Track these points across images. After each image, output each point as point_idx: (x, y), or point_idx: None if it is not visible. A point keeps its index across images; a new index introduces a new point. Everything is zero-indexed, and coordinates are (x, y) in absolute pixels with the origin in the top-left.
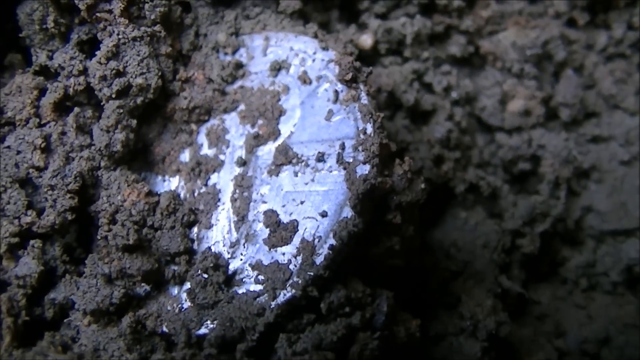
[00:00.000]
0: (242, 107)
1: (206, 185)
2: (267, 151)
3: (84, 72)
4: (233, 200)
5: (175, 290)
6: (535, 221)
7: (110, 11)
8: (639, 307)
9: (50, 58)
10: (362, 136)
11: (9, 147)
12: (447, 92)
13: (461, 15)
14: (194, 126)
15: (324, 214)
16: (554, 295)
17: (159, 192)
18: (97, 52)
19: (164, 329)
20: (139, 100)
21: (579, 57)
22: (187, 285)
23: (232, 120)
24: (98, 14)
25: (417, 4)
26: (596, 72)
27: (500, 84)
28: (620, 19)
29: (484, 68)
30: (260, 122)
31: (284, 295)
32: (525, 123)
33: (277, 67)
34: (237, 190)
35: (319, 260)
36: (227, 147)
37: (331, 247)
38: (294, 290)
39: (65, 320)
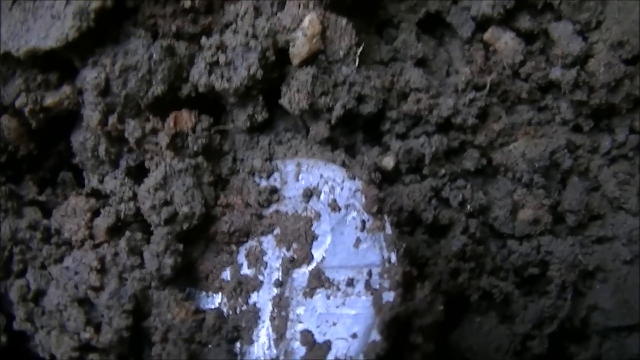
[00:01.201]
0: (277, 230)
1: (247, 303)
2: (301, 274)
3: (134, 197)
4: (272, 319)
5: None
6: (544, 324)
7: (157, 143)
8: None
9: (101, 182)
10: (387, 265)
11: (67, 267)
12: (463, 206)
13: (475, 130)
14: (234, 247)
15: (354, 336)
16: None
17: (204, 308)
18: (146, 181)
19: None
20: (185, 226)
21: (584, 160)
22: None
23: (268, 242)
24: (146, 146)
25: (435, 123)
26: (600, 174)
27: (511, 193)
28: (623, 124)
29: (496, 177)
30: (294, 246)
31: None
32: (534, 230)
33: (309, 194)
34: (276, 310)
35: None
36: (265, 268)
37: None
38: None
39: None
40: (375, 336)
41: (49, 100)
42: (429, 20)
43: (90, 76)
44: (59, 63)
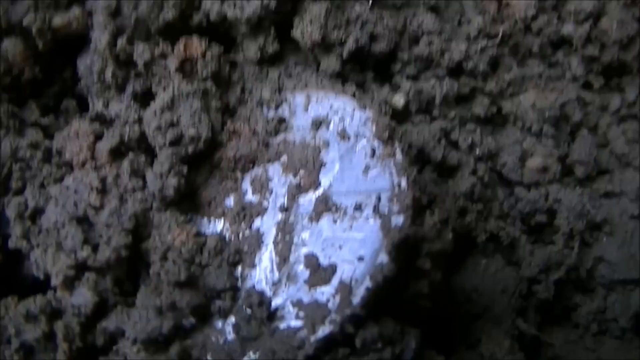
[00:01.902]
0: (284, 158)
1: (250, 228)
2: (308, 199)
3: (139, 121)
4: (275, 243)
5: (219, 324)
6: (550, 269)
7: (165, 67)
8: None
9: (106, 106)
10: (397, 189)
11: (67, 187)
12: (472, 149)
13: (485, 78)
14: (239, 174)
15: (360, 259)
16: (567, 338)
17: (205, 233)
18: (153, 104)
19: (209, 358)
20: (190, 149)
21: (593, 118)
22: (232, 319)
23: (275, 170)
24: (154, 70)
25: (446, 67)
26: (609, 132)
27: (520, 142)
28: (633, 83)
29: (505, 126)
30: (301, 172)
31: (323, 331)
32: (542, 179)
33: (318, 124)
34: (280, 234)
35: (355, 300)
36: (270, 194)
37: (367, 289)
38: (331, 327)
39: (114, 348)
40: (383, 258)
41: (58, 20)
42: None
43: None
44: None
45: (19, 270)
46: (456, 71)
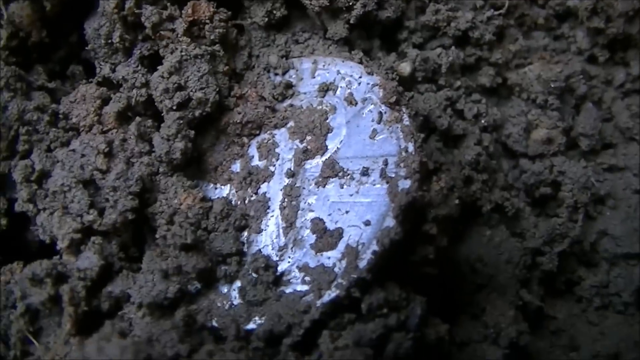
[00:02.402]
0: (291, 123)
1: (256, 193)
2: (314, 164)
3: (146, 85)
4: (282, 208)
5: (225, 289)
6: (554, 241)
7: (173, 30)
8: None
9: (113, 70)
10: (404, 154)
11: (73, 150)
12: (477, 119)
13: (491, 48)
14: (245, 139)
15: (367, 223)
16: (569, 311)
17: (211, 198)
18: (160, 67)
19: (214, 323)
20: (197, 112)
21: (598, 91)
22: (238, 283)
23: (281, 135)
24: (162, 32)
25: (452, 35)
26: (614, 106)
27: (525, 113)
28: (638, 57)
29: (510, 98)
30: (308, 138)
31: (329, 295)
32: (547, 150)
33: (325, 89)
34: (286, 199)
35: (362, 264)
36: (277, 159)
37: (374, 253)
38: (338, 291)
39: (119, 313)
40: (390, 222)
41: None
42: None
43: None
44: None
45: (25, 235)
46: (462, 40)
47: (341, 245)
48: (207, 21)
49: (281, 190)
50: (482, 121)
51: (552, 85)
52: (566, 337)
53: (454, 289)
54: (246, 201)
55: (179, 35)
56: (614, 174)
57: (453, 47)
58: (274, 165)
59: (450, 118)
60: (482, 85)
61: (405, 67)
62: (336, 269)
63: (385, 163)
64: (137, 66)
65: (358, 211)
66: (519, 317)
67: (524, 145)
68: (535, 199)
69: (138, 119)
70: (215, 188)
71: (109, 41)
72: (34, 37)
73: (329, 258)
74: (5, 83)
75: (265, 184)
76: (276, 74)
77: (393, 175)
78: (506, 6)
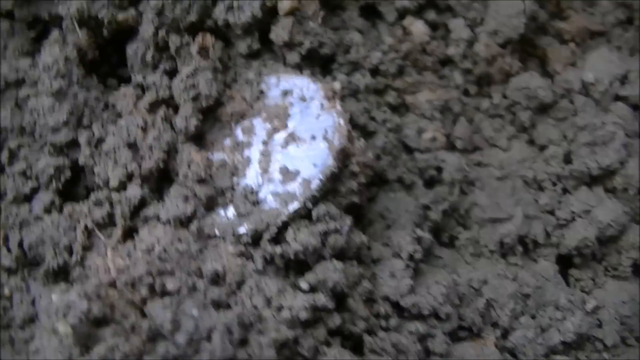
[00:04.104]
0: (264, 114)
1: (242, 156)
2: (280, 136)
3: (169, 87)
4: (259, 162)
5: (223, 211)
6: (439, 202)
7: (189, 52)
8: (506, 265)
9: (144, 79)
10: (338, 126)
11: (120, 125)
12: (384, 123)
13: (394, 79)
14: (233, 125)
15: (315, 165)
16: (452, 256)
17: (212, 159)
18: (178, 74)
19: (216, 232)
20: (204, 103)
21: (469, 114)
22: (231, 207)
23: (257, 121)
24: (181, 52)
25: (367, 68)
26: (481, 123)
27: (418, 122)
28: (497, 91)
29: (407, 112)
30: (275, 121)
31: (292, 207)
32: (433, 147)
33: (285, 93)
34: (262, 157)
35: (313, 187)
36: (255, 135)
37: (320, 180)
38: (298, 204)
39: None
40: (330, 161)
41: (121, 16)
42: (367, 8)
43: (152, 3)
44: None
45: (83, 181)
46: (374, 72)
47: (299, 179)
48: (211, 47)
49: (258, 152)
50: (388, 125)
51: (436, 104)
52: (450, 269)
53: (369, 229)
54: (235, 160)
55: (193, 55)
56: (481, 167)
57: (368, 76)
58: (253, 139)
59: (366, 121)
60: (388, 102)
61: (336, 85)
62: (296, 192)
63: (326, 131)
64: (162, 75)
65: (309, 159)
66: (415, 242)
67: (417, 143)
68: (425, 179)
69: (164, 108)
70: (213, 154)
71: (144, 59)
72: (89, 55)
73: (291, 187)
74: (77, 80)
75: (247, 150)
76: (252, 85)
77: (331, 138)
78: (404, 52)
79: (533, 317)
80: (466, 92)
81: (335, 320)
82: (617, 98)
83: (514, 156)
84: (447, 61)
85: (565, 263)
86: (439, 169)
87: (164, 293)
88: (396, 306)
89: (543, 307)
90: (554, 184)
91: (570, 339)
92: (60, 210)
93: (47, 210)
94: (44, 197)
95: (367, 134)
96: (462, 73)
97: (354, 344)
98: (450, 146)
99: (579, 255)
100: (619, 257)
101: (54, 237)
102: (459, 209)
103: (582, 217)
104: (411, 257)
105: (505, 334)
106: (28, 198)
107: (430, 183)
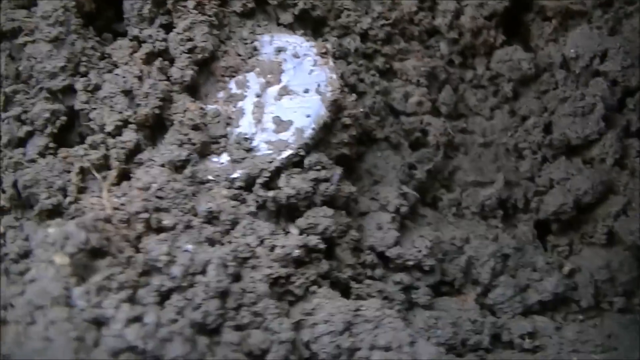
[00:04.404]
0: (257, 69)
1: (235, 107)
2: (273, 90)
3: (164, 40)
4: (253, 113)
5: (215, 157)
6: (423, 162)
7: (185, 6)
8: (487, 227)
9: (141, 32)
10: (330, 79)
11: (117, 74)
12: (372, 86)
13: (383, 45)
14: (227, 79)
15: (308, 115)
16: (435, 216)
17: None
18: (175, 28)
19: (210, 177)
20: (200, 56)
21: (454, 83)
22: (225, 154)
23: (251, 75)
24: (178, 7)
25: (357, 32)
26: (465, 94)
27: (405, 86)
28: (481, 62)
29: (395, 78)
30: (269, 76)
31: (285, 153)
32: (419, 110)
33: (279, 50)
34: (256, 108)
35: (306, 135)
36: (249, 89)
37: (313, 129)
38: (290, 151)
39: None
40: (323, 111)
41: None
42: None
43: None
44: None
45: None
46: (364, 37)
47: (292, 128)
48: (207, 3)
49: (252, 104)
50: (376, 87)
51: (422, 70)
52: (434, 227)
53: (357, 184)
54: (229, 111)
55: (190, 9)
56: (464, 134)
57: (358, 40)
58: (246, 92)
59: (355, 81)
60: (377, 66)
61: (329, 45)
62: (290, 140)
63: (319, 85)
64: (158, 29)
65: (302, 110)
66: (401, 197)
67: (404, 106)
68: (411, 141)
69: (160, 59)
70: (207, 105)
71: (140, 13)
72: (86, 7)
73: (284, 135)
74: (74, 29)
75: (241, 102)
76: (246, 43)
77: (324, 91)
78: (392, 20)
79: (512, 276)
80: (451, 62)
81: (324, 266)
82: (597, 74)
83: (497, 125)
84: (433, 31)
85: (543, 229)
86: (425, 132)
87: (160, 229)
88: (382, 257)
89: (522, 268)
90: (534, 153)
91: (547, 299)
92: (55, 154)
93: (42, 154)
94: (39, 141)
95: (356, 94)
96: (448, 43)
97: (341, 290)
98: (436, 112)
99: (557, 221)
100: (595, 225)
101: (48, 178)
102: (443, 171)
103: (560, 184)
104: (397, 210)
105: (485, 292)
106: (23, 142)
107: (415, 145)
